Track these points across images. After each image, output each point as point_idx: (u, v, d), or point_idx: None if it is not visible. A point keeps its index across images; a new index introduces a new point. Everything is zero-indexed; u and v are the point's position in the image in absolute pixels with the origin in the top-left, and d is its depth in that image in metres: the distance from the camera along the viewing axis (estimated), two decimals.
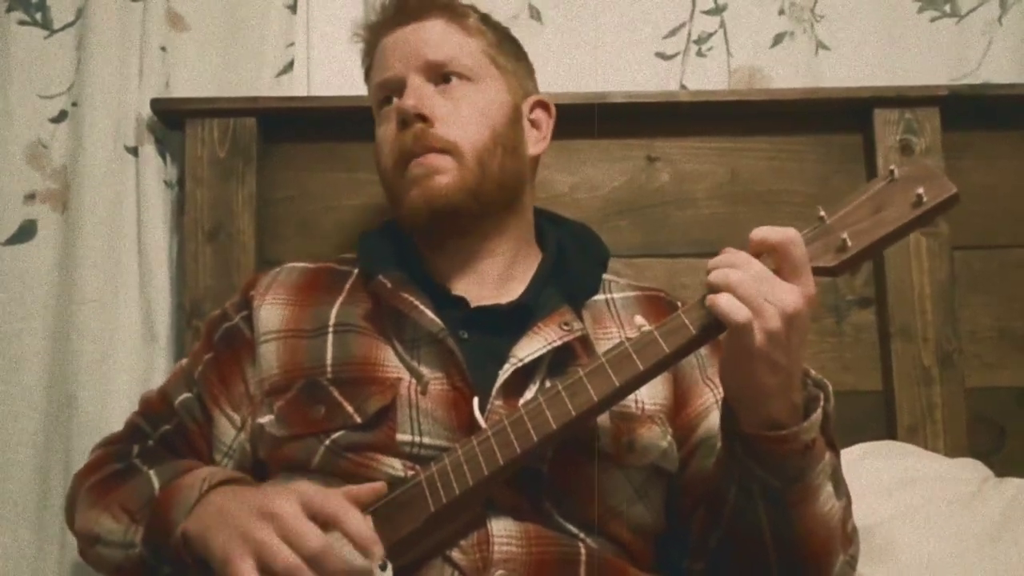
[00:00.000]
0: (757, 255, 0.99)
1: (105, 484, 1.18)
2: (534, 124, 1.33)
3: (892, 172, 1.02)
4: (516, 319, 1.17)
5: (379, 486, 1.03)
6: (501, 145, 1.25)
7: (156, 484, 1.13)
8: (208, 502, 1.04)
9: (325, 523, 0.95)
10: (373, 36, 1.33)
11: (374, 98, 1.32)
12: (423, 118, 1.22)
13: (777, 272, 0.98)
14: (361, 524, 0.95)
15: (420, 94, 1.24)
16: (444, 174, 1.21)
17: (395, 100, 1.27)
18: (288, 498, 0.97)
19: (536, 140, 1.33)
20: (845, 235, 1.00)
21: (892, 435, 1.59)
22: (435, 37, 1.28)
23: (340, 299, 1.24)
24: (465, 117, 1.24)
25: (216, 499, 1.04)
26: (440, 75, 1.26)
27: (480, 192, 1.22)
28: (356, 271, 1.28)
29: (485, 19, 1.34)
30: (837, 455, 1.10)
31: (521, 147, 1.30)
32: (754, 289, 0.96)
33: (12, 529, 1.59)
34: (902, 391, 1.60)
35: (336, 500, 0.97)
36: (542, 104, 1.35)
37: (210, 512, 1.02)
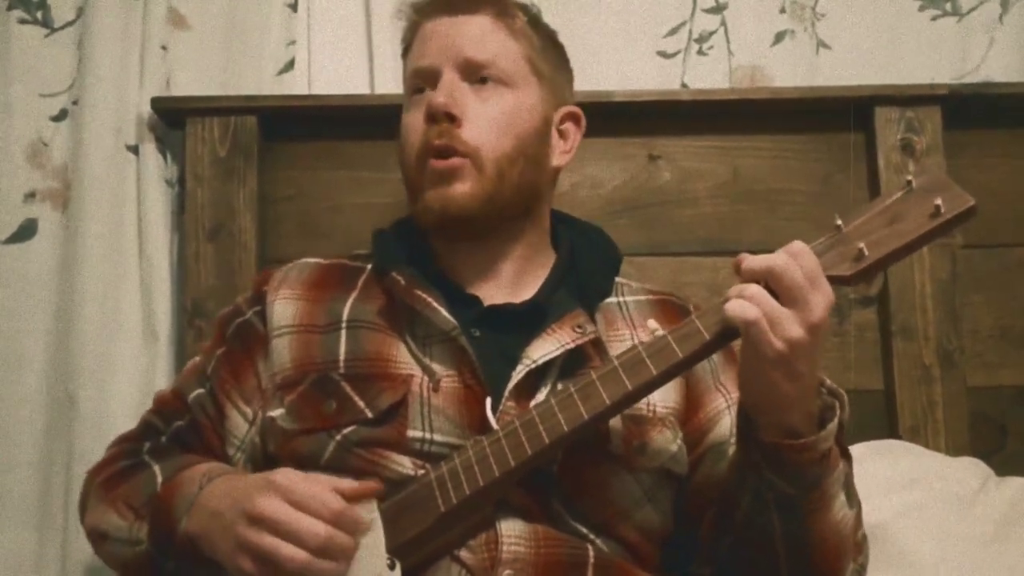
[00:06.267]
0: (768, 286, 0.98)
1: (113, 480, 1.19)
2: (562, 135, 1.30)
3: (909, 183, 1.01)
4: (529, 319, 1.17)
5: (372, 485, 1.03)
6: (523, 155, 1.22)
7: (159, 480, 1.13)
8: (203, 501, 1.05)
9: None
10: (417, 16, 1.29)
11: (406, 83, 1.29)
12: (451, 117, 1.20)
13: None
14: (342, 506, 0.96)
15: (452, 91, 1.21)
16: (462, 181, 1.19)
17: (427, 91, 1.24)
18: (269, 497, 0.97)
19: (561, 151, 1.29)
20: (862, 245, 0.99)
21: (894, 434, 1.59)
22: (479, 35, 1.24)
23: (353, 295, 1.23)
24: (493, 123, 1.21)
25: (209, 499, 1.04)
26: (477, 75, 1.23)
27: (495, 200, 1.20)
28: (369, 267, 1.27)
29: (534, 22, 1.30)
30: (850, 464, 1.10)
31: (544, 159, 1.27)
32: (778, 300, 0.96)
33: (13, 528, 1.59)
34: (904, 390, 1.61)
35: (314, 488, 0.97)
36: (573, 116, 1.32)
37: (206, 514, 1.03)
